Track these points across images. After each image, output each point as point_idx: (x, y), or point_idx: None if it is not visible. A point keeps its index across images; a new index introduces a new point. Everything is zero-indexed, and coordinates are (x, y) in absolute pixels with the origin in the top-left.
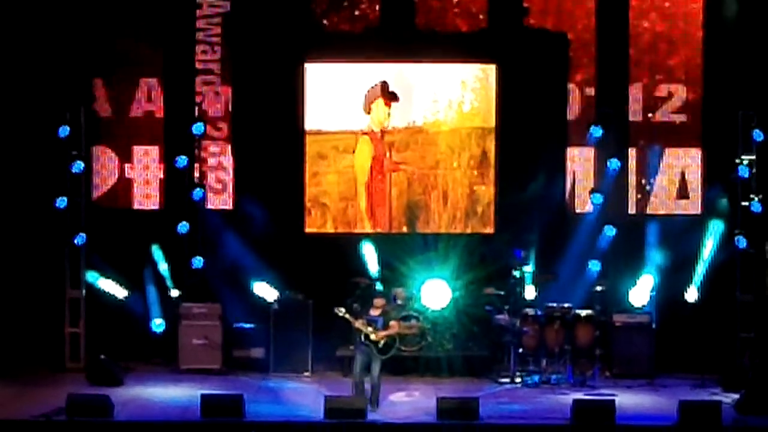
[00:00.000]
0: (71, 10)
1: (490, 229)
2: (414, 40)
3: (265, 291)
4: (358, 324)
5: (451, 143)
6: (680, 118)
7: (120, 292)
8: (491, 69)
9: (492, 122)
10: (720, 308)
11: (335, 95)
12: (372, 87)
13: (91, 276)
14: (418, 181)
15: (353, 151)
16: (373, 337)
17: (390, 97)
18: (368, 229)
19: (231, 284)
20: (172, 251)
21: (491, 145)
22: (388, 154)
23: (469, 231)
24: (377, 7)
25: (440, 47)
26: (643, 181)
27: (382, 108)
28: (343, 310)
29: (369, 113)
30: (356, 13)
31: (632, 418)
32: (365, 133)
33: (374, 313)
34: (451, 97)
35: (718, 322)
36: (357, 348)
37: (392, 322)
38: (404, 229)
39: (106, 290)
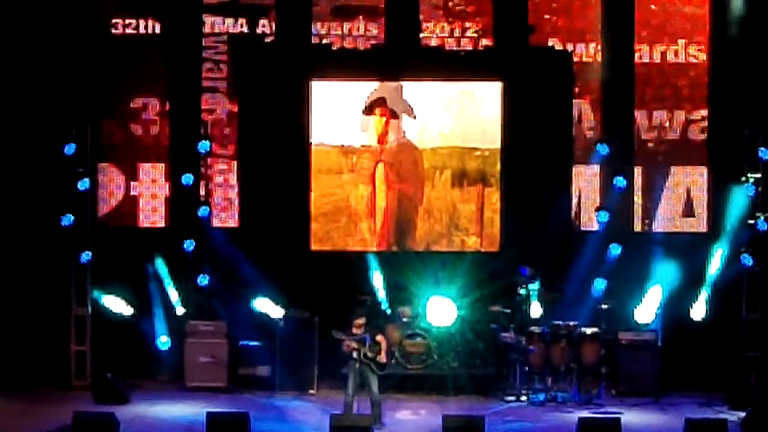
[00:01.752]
0: (78, 29)
1: (476, 241)
2: (419, 59)
3: (270, 309)
4: (355, 344)
5: (433, 161)
6: (686, 136)
7: (126, 309)
8: (471, 86)
9: (470, 142)
10: (726, 326)
11: (336, 112)
12: (370, 103)
13: (97, 293)
14: (407, 197)
15: (336, 172)
16: (370, 354)
17: (390, 114)
18: (371, 246)
19: (237, 302)
20: (178, 269)
21: (471, 163)
22: (383, 170)
23: (454, 244)
24: (383, 26)
25: (446, 65)
26: (649, 200)
27: (379, 124)
28: (340, 333)
29: (367, 130)
30: (362, 31)
31: None
32: (365, 150)
33: (357, 332)
34: (432, 116)
35: (724, 340)
36: (350, 368)
37: (378, 337)
38: (394, 249)
39: (112, 308)
